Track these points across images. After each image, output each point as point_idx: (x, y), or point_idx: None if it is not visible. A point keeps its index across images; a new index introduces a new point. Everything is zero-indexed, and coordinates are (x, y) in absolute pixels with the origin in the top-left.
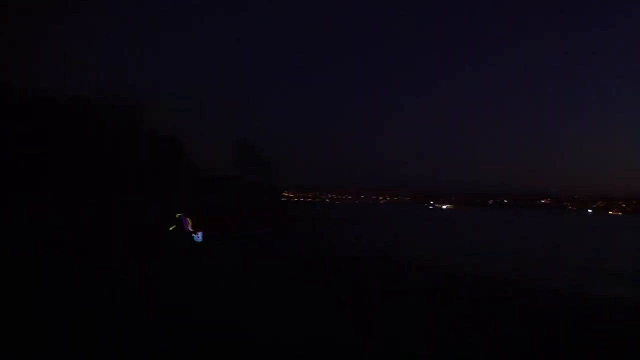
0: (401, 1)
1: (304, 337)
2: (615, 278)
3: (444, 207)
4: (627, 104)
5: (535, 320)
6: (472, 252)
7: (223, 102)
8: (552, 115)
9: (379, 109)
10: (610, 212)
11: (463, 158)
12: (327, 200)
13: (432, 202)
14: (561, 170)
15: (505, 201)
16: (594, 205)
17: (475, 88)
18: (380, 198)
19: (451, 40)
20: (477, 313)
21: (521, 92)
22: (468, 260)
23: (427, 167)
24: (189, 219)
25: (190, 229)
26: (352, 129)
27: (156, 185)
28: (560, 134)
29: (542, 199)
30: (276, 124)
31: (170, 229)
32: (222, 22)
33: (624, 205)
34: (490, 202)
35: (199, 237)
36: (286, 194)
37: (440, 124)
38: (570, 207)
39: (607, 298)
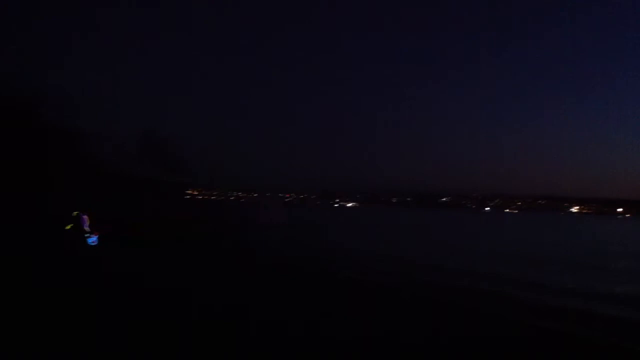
0: None
1: None
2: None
3: (349, 205)
4: (518, 103)
5: None
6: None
7: (133, 95)
8: (451, 114)
9: (288, 107)
10: (506, 210)
11: (368, 157)
12: (231, 198)
13: (337, 200)
14: (462, 169)
15: (409, 199)
16: (492, 204)
17: (381, 87)
18: (287, 196)
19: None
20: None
21: (425, 89)
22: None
23: (333, 165)
24: (86, 217)
25: (87, 229)
26: (259, 126)
27: (49, 182)
28: (460, 134)
29: (444, 197)
30: (188, 119)
31: (67, 227)
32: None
33: (519, 203)
34: (394, 200)
35: (94, 240)
36: (191, 192)
37: (345, 122)
38: (469, 205)
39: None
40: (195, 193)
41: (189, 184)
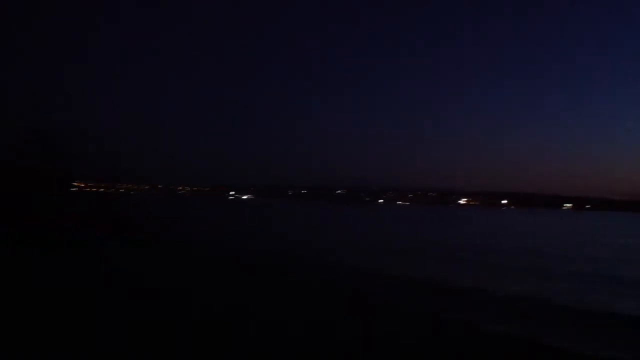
0: None
1: None
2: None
3: (244, 197)
4: (414, 96)
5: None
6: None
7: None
8: (346, 110)
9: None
10: (398, 202)
11: (263, 150)
12: (121, 190)
13: (232, 193)
14: (357, 162)
15: (304, 192)
16: (385, 196)
17: (283, 85)
18: (180, 188)
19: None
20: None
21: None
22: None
23: (228, 158)
24: None
25: None
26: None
27: None
28: (355, 128)
29: (339, 190)
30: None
31: None
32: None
33: (411, 196)
34: (290, 192)
35: None
36: (77, 184)
37: (247, 114)
38: (363, 197)
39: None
40: (83, 185)
41: (76, 176)
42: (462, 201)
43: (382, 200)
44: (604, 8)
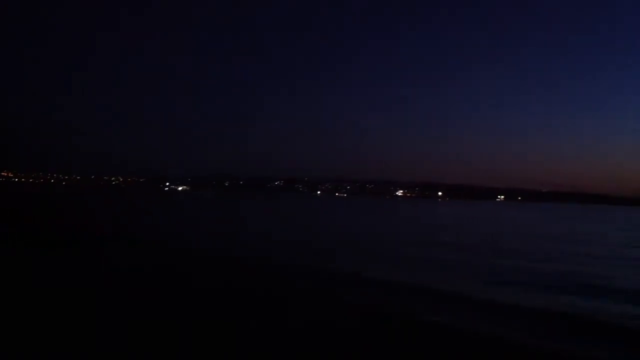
0: None
1: None
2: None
3: (180, 188)
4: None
5: None
6: None
7: None
8: (290, 103)
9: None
10: (337, 194)
11: (199, 141)
12: (52, 181)
13: (167, 184)
14: (296, 154)
15: (241, 182)
16: (323, 187)
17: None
18: (113, 179)
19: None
20: None
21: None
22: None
23: (165, 149)
24: None
25: None
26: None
27: None
28: (297, 121)
29: (276, 181)
30: None
31: None
32: None
33: (349, 187)
34: (226, 183)
35: None
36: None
37: (184, 105)
38: (301, 189)
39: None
40: (11, 175)
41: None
42: (399, 193)
43: (319, 192)
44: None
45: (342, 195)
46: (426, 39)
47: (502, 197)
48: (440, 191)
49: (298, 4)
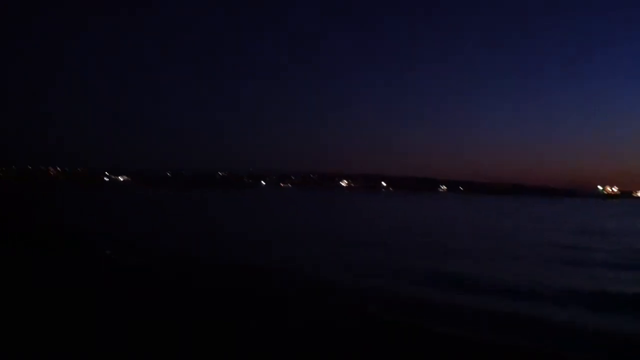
0: None
1: None
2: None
3: (121, 179)
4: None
5: None
6: None
7: None
8: (233, 94)
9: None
10: (281, 185)
11: (135, 133)
12: None
13: (107, 173)
14: (241, 146)
15: (184, 174)
16: (267, 179)
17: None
18: (50, 170)
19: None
20: None
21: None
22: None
23: (107, 140)
24: None
25: None
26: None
27: None
28: (240, 111)
29: (220, 172)
30: None
31: None
32: None
33: (293, 178)
34: (169, 174)
35: None
36: None
37: (131, 95)
38: (246, 180)
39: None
40: None
41: None
42: (344, 183)
43: (264, 183)
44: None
45: (286, 186)
46: (375, 32)
47: (445, 187)
48: (384, 182)
49: None
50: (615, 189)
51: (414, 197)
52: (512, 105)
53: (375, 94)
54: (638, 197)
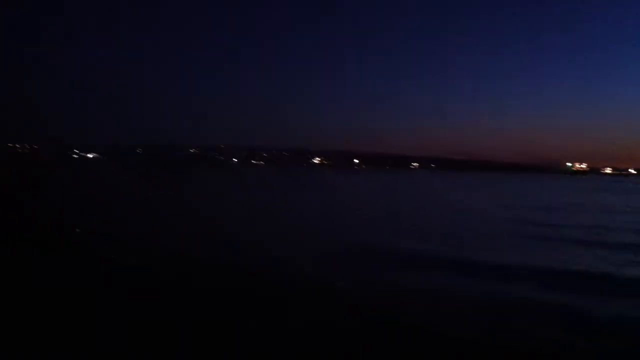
0: None
1: None
2: None
3: (90, 155)
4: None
5: None
6: None
7: None
8: (204, 69)
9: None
10: (253, 162)
11: (112, 108)
12: None
13: (76, 151)
14: (209, 122)
15: (139, 151)
16: (239, 156)
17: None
18: (18, 147)
19: None
20: None
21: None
22: None
23: (71, 117)
24: None
25: None
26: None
27: None
28: (212, 87)
29: (191, 149)
30: None
31: None
32: None
33: (265, 156)
34: (139, 150)
35: None
36: None
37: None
38: (218, 157)
39: None
40: None
41: None
42: (316, 161)
43: (236, 160)
44: None
45: (259, 163)
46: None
47: (417, 165)
48: (356, 159)
49: None
50: (584, 166)
51: (386, 175)
52: (481, 84)
53: (347, 73)
54: (605, 174)
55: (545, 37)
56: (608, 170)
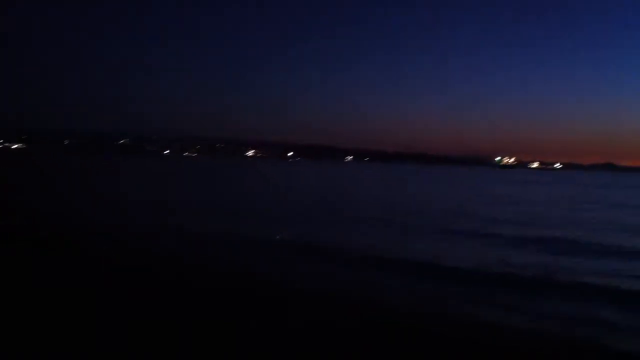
0: None
1: None
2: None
3: (14, 146)
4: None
5: None
6: None
7: None
8: (138, 57)
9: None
10: (186, 154)
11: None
12: None
13: (1, 141)
14: (142, 112)
15: (66, 142)
16: (172, 147)
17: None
18: None
19: None
20: None
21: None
22: None
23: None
24: None
25: None
26: None
27: None
28: (144, 75)
29: (121, 140)
30: None
31: None
32: None
33: (198, 147)
34: (66, 142)
35: None
36: None
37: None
38: (149, 149)
39: None
40: None
41: None
42: (250, 153)
43: (168, 152)
44: None
45: (192, 155)
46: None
47: (351, 157)
48: (291, 151)
49: None
50: (512, 160)
51: (319, 166)
52: (416, 79)
53: (280, 65)
54: (532, 168)
55: (477, 33)
56: (535, 165)
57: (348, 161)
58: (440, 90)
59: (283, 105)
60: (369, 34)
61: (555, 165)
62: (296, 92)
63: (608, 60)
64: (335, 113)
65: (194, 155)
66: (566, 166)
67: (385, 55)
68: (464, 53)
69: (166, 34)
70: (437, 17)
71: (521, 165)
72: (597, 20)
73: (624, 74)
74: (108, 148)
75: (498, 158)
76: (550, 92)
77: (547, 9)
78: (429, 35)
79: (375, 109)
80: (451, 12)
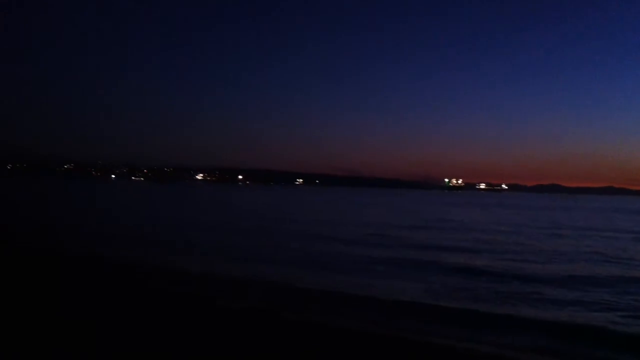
0: None
1: None
2: None
3: None
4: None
5: None
6: None
7: None
8: (88, 82)
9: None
10: (133, 178)
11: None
12: None
13: None
14: (87, 137)
15: (25, 165)
16: (117, 172)
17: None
18: None
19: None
20: None
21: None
22: None
23: None
24: None
25: None
26: None
27: None
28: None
29: (66, 165)
30: None
31: None
32: None
33: (145, 171)
34: (9, 167)
35: None
36: None
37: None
38: (94, 174)
39: None
40: None
41: None
42: (199, 177)
43: (114, 176)
44: None
45: (138, 179)
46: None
47: (302, 180)
48: (240, 175)
49: None
50: (460, 182)
51: (265, 190)
52: (366, 103)
53: (229, 92)
54: (480, 189)
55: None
56: (482, 186)
57: (299, 184)
58: (393, 118)
59: (239, 130)
60: (322, 62)
61: (502, 186)
62: (254, 118)
63: (553, 82)
64: (291, 138)
65: (141, 179)
66: (511, 187)
67: (341, 83)
68: (416, 78)
69: (115, 60)
70: (395, 43)
71: (469, 186)
72: (531, 45)
73: (566, 95)
74: (51, 173)
75: (447, 180)
76: (499, 115)
77: (496, 35)
78: (383, 64)
79: (331, 135)
80: (399, 40)
